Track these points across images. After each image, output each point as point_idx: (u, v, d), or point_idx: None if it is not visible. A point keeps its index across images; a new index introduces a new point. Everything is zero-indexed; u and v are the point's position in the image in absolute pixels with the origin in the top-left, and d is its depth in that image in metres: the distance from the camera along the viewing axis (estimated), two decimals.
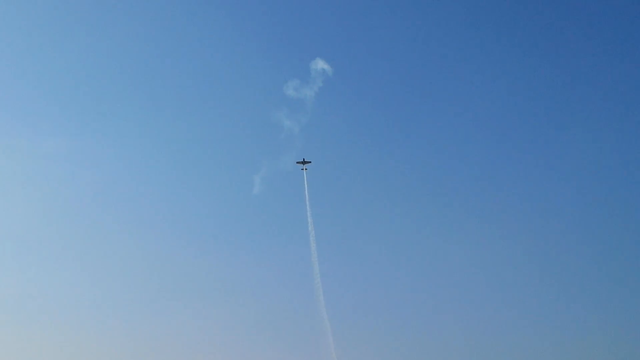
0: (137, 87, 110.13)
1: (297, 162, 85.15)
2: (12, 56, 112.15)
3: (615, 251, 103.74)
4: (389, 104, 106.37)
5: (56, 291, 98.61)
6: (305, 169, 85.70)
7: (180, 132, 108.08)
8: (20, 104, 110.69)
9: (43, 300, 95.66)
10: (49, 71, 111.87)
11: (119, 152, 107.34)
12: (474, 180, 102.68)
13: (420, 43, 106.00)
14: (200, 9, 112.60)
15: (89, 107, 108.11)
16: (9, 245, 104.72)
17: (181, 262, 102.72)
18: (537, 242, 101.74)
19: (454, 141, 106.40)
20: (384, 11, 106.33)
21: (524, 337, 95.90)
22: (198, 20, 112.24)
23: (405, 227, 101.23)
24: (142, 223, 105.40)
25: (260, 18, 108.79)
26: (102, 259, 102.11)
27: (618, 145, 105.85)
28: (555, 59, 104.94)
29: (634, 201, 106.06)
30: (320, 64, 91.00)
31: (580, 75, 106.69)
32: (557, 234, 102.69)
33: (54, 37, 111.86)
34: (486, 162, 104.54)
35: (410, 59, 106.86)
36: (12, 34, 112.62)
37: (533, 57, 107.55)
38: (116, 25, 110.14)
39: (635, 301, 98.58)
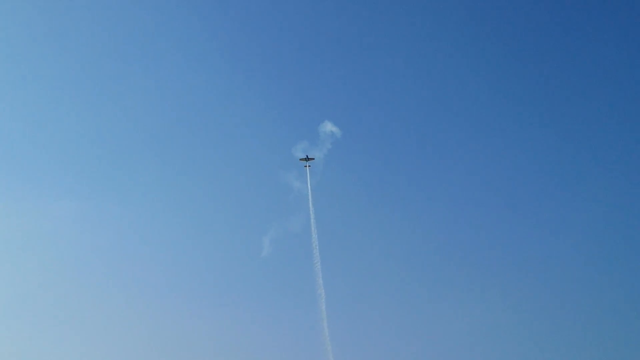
0: (145, 150, 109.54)
1: (301, 159, 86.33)
2: (20, 121, 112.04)
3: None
4: (398, 166, 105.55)
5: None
6: (309, 166, 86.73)
7: (189, 194, 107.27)
8: (28, 168, 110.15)
9: None
10: (57, 136, 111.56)
11: (127, 215, 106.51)
12: (480, 241, 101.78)
13: (427, 107, 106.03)
14: (210, 70, 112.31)
15: (98, 171, 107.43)
16: (18, 307, 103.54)
17: (189, 324, 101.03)
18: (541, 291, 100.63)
19: (461, 202, 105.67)
20: (391, 76, 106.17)
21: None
22: (209, 82, 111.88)
23: (415, 289, 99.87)
24: (150, 285, 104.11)
25: (270, 81, 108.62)
26: (108, 325, 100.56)
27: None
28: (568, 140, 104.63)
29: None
30: (329, 127, 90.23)
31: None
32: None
33: (62, 104, 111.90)
34: (492, 224, 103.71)
35: (417, 121, 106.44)
36: (19, 98, 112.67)
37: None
38: (125, 89, 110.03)
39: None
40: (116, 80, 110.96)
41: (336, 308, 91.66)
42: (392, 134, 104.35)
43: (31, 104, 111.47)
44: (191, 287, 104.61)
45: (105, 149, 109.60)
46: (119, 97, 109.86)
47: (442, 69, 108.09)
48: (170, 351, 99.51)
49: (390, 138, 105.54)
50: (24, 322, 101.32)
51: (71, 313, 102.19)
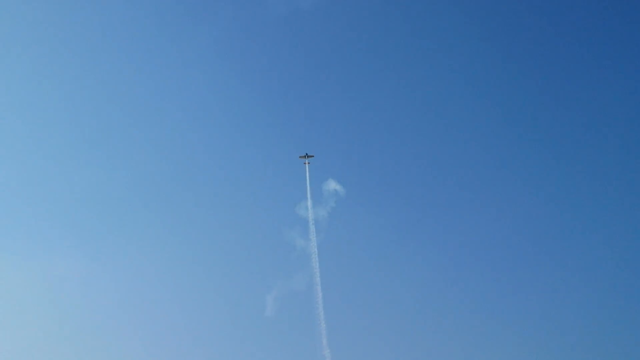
0: (148, 206, 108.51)
1: (300, 157, 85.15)
2: (22, 178, 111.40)
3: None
4: (402, 224, 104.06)
5: None
6: (308, 163, 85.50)
7: (192, 251, 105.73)
8: (32, 226, 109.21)
9: None
10: (60, 195, 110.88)
11: (129, 272, 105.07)
12: (487, 294, 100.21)
13: (431, 165, 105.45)
14: (214, 127, 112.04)
15: (102, 228, 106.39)
16: None
17: None
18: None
19: (467, 260, 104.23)
20: (395, 134, 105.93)
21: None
22: (212, 137, 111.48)
23: (424, 346, 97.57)
24: (153, 344, 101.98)
25: (274, 138, 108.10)
26: None
27: None
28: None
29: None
30: (332, 185, 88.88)
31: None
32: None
33: (63, 163, 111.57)
34: (498, 276, 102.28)
35: (421, 179, 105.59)
36: (20, 158, 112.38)
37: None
38: (128, 144, 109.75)
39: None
40: (119, 137, 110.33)
41: None
42: (395, 191, 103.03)
43: (31, 164, 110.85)
44: (194, 346, 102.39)
45: (108, 206, 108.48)
46: (122, 154, 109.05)
47: (446, 128, 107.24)
48: None
49: (394, 196, 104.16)
50: None
51: None
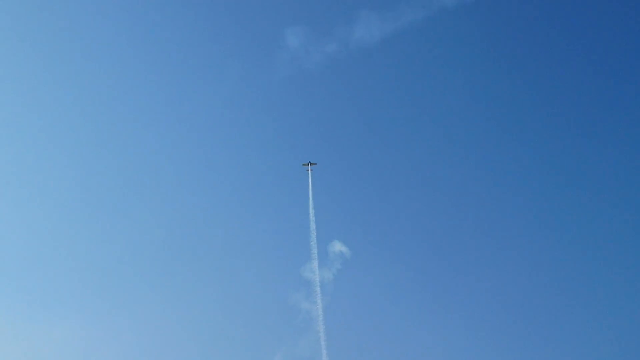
0: (151, 269, 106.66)
1: (304, 164, 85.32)
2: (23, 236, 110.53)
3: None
4: (409, 287, 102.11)
5: None
6: (311, 170, 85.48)
7: (195, 315, 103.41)
8: (32, 290, 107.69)
9: None
10: (60, 257, 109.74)
11: (133, 333, 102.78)
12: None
13: (437, 226, 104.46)
14: (217, 186, 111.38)
15: (104, 288, 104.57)
16: None
17: None
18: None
19: (475, 323, 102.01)
20: (401, 194, 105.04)
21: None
22: (214, 203, 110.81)
23: None
24: None
25: (279, 200, 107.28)
26: None
27: None
28: None
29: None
30: (338, 246, 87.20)
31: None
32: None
33: (63, 223, 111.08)
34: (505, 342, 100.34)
35: (427, 240, 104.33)
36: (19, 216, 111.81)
37: None
38: (129, 203, 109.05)
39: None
40: (122, 201, 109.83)
41: None
42: (403, 254, 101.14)
43: (31, 228, 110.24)
44: None
45: (110, 264, 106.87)
46: (123, 218, 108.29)
47: (454, 189, 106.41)
48: None
49: (402, 258, 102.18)
50: None
51: None
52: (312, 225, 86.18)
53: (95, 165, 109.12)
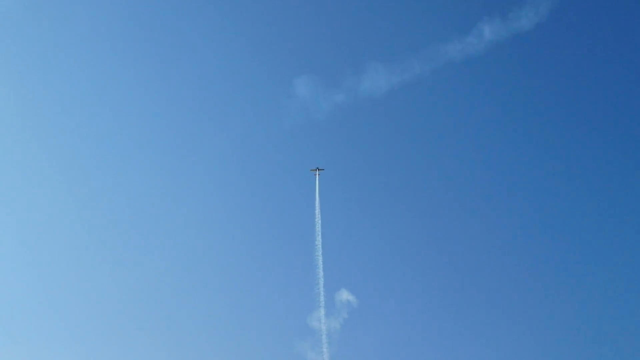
0: (152, 321, 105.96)
1: (311, 170, 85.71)
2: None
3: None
4: (417, 337, 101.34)
5: None
6: (318, 174, 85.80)
7: None
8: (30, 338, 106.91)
9: None
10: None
11: None
12: None
13: (443, 276, 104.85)
14: (221, 239, 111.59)
15: (102, 338, 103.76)
16: None
17: None
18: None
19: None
20: (408, 243, 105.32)
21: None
22: (217, 248, 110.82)
23: None
24: None
25: (284, 248, 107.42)
26: None
27: None
28: None
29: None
30: (345, 295, 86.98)
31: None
32: None
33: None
34: None
35: (434, 290, 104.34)
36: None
37: None
38: (128, 257, 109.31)
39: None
40: (122, 247, 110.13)
41: None
42: (410, 303, 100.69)
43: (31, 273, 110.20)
44: None
45: (107, 310, 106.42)
46: (125, 264, 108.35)
47: (461, 237, 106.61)
48: None
49: (409, 307, 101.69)
50: None
51: None
52: (320, 273, 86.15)
53: (103, 206, 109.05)
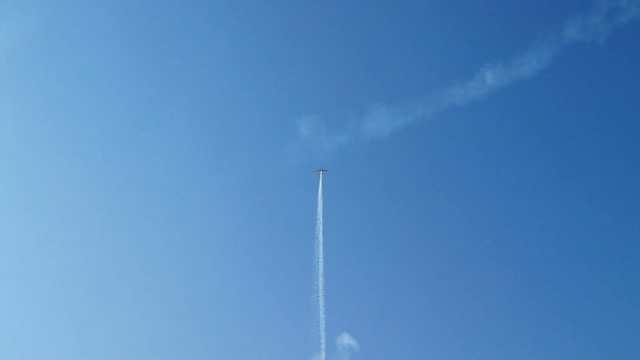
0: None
1: (316, 170, 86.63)
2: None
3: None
4: None
5: None
6: (322, 173, 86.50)
7: None
8: None
9: None
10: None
11: None
12: None
13: (444, 325, 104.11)
14: (220, 283, 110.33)
15: None
16: None
17: None
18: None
19: None
20: (411, 284, 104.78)
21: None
22: (216, 296, 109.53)
23: None
24: None
25: (285, 291, 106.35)
26: None
27: None
28: None
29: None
30: (346, 339, 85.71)
31: None
32: None
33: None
34: None
35: (436, 333, 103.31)
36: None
37: None
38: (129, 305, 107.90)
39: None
40: (123, 296, 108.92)
41: None
42: (412, 349, 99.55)
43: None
44: None
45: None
46: (127, 311, 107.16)
47: (461, 287, 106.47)
48: None
49: (410, 352, 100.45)
50: None
51: None
52: (321, 316, 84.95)
53: (104, 256, 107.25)
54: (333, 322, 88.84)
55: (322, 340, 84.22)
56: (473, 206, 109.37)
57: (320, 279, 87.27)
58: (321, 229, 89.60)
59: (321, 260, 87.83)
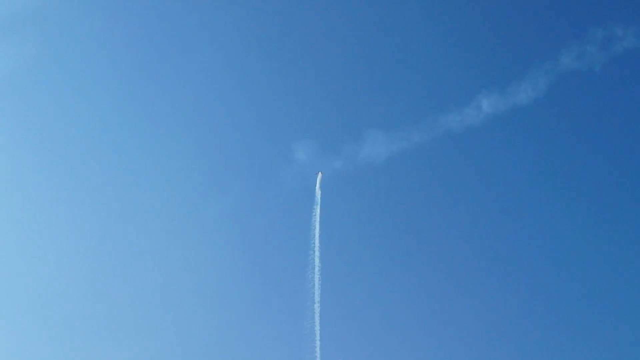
0: None
1: (316, 174, 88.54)
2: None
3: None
4: None
5: None
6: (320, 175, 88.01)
7: None
8: None
9: None
10: None
11: None
12: None
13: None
14: (217, 305, 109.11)
15: None
16: None
17: None
18: None
19: None
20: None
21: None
22: (214, 321, 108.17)
23: None
24: None
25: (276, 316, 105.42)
26: None
27: None
28: None
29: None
30: None
31: None
32: None
33: None
34: None
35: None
36: None
37: None
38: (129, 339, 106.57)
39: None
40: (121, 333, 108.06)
41: None
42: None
43: None
44: None
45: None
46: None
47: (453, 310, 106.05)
48: None
49: None
50: None
51: None
52: (317, 343, 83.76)
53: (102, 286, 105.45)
54: (329, 349, 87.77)
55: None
56: (468, 232, 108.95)
57: (317, 304, 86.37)
58: (317, 253, 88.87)
59: (317, 285, 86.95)
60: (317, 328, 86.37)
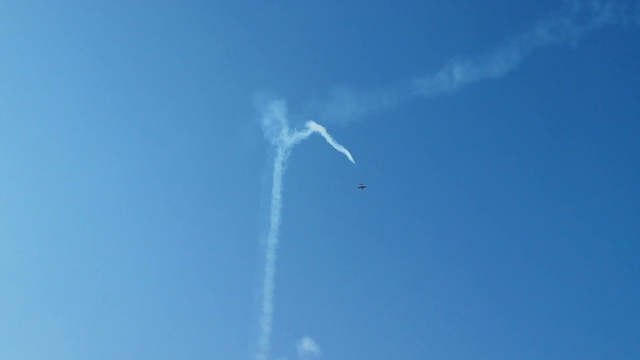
0: None
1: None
2: None
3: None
4: None
5: None
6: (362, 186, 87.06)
7: None
8: None
9: None
10: None
11: None
12: None
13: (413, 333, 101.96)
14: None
15: None
16: None
17: None
18: None
19: None
20: (374, 295, 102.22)
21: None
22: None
23: None
24: None
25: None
26: None
27: None
28: None
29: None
30: (307, 344, 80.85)
31: None
32: None
33: None
34: None
35: (402, 339, 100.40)
36: None
37: None
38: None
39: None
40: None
41: None
42: (374, 353, 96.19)
43: None
44: None
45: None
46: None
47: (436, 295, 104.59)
48: None
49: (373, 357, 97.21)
50: None
51: None
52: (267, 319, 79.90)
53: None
54: (294, 326, 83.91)
55: (282, 346, 79.60)
56: (431, 199, 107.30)
57: (271, 277, 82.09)
58: (278, 215, 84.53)
59: (273, 254, 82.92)
60: (270, 302, 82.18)
